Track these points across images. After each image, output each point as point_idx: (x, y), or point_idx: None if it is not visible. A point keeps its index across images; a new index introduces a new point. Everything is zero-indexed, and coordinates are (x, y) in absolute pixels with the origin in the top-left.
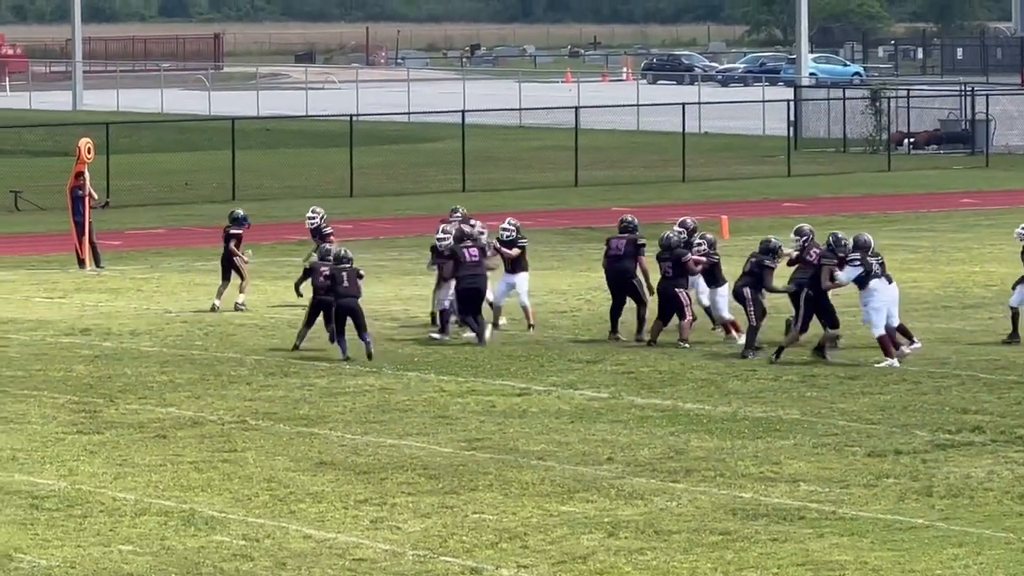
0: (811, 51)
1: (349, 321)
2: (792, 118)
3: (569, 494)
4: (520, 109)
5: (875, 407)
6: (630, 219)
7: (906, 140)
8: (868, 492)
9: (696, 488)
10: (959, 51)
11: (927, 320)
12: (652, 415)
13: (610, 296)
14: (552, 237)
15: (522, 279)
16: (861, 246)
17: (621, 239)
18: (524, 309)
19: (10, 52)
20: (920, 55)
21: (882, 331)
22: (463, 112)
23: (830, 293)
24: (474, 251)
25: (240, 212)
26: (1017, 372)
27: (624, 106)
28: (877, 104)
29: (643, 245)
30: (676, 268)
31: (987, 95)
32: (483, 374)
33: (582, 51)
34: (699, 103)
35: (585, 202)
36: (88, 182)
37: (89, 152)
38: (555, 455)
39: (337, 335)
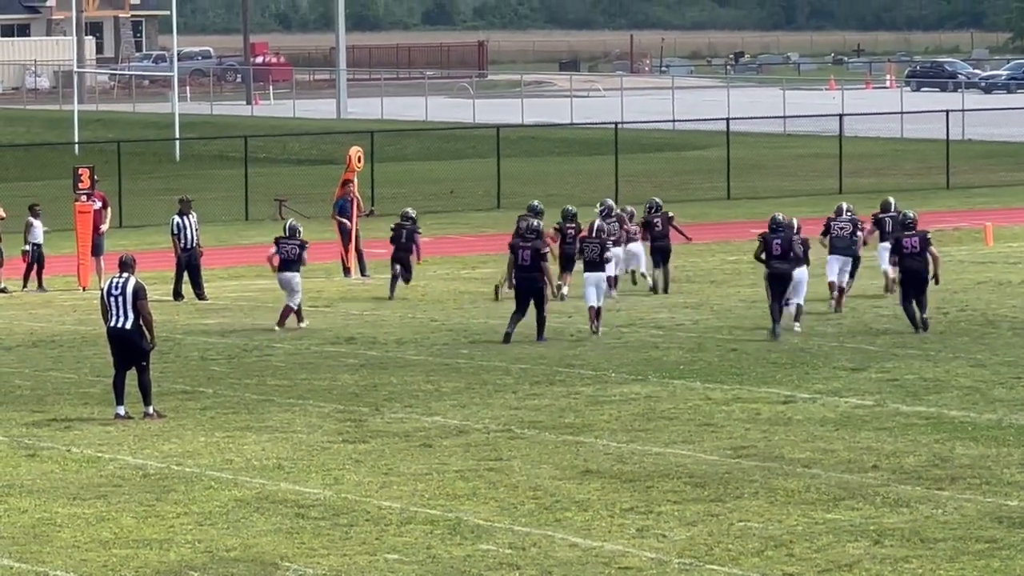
0: None
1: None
2: None
3: (835, 502)
4: (784, 117)
5: None
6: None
7: None
8: None
9: (962, 496)
10: None
11: None
12: (917, 423)
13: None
14: (816, 245)
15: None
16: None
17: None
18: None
19: (274, 60)
20: None
21: None
22: (727, 120)
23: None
24: (526, 253)
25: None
26: None
27: (888, 113)
28: None
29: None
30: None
31: None
32: (748, 382)
33: (845, 58)
34: (963, 110)
35: None
36: (356, 189)
37: (359, 161)
38: (820, 463)
39: (392, 278)
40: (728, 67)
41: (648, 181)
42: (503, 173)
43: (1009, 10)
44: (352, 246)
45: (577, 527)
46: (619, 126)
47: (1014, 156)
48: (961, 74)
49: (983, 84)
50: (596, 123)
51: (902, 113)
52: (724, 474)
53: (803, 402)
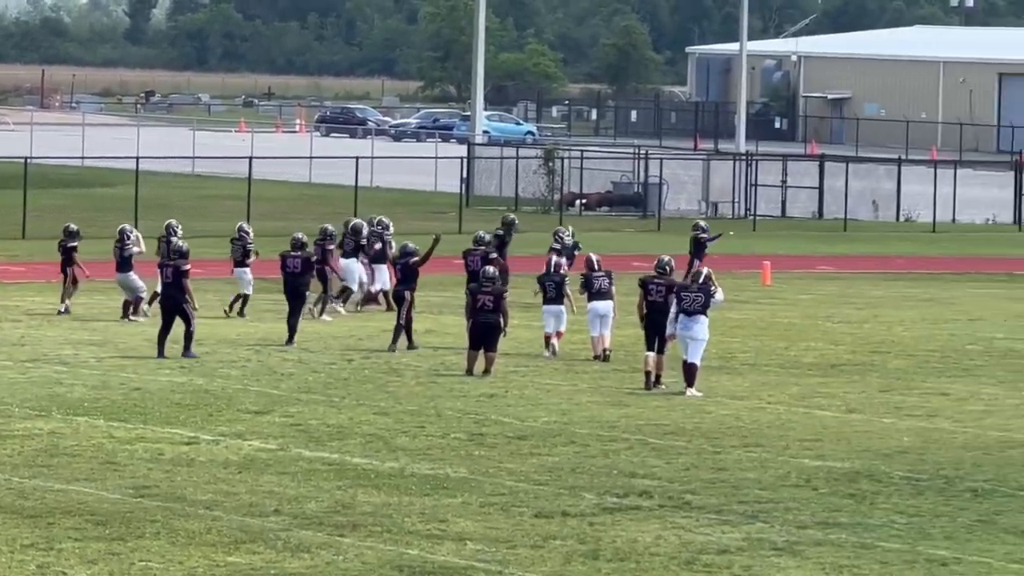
0: (485, 109)
1: None
2: (465, 175)
3: (236, 545)
4: (194, 157)
5: (543, 468)
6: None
7: (578, 201)
8: (535, 553)
9: (363, 543)
10: (633, 113)
11: (595, 381)
12: (320, 468)
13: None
14: (230, 287)
15: None
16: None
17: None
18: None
19: None
20: (594, 116)
21: None
22: (137, 158)
23: None
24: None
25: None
26: (685, 438)
27: (297, 158)
28: (550, 164)
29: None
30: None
31: (660, 159)
32: (152, 421)
33: (256, 101)
34: (372, 157)
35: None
36: None
37: None
38: (223, 505)
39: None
40: (139, 105)
41: (58, 216)
42: None
43: (420, 59)
44: None
45: None
46: (28, 161)
47: (422, 204)
48: (371, 121)
49: (393, 131)
50: (5, 157)
51: (311, 158)
52: (126, 513)
53: (207, 444)
